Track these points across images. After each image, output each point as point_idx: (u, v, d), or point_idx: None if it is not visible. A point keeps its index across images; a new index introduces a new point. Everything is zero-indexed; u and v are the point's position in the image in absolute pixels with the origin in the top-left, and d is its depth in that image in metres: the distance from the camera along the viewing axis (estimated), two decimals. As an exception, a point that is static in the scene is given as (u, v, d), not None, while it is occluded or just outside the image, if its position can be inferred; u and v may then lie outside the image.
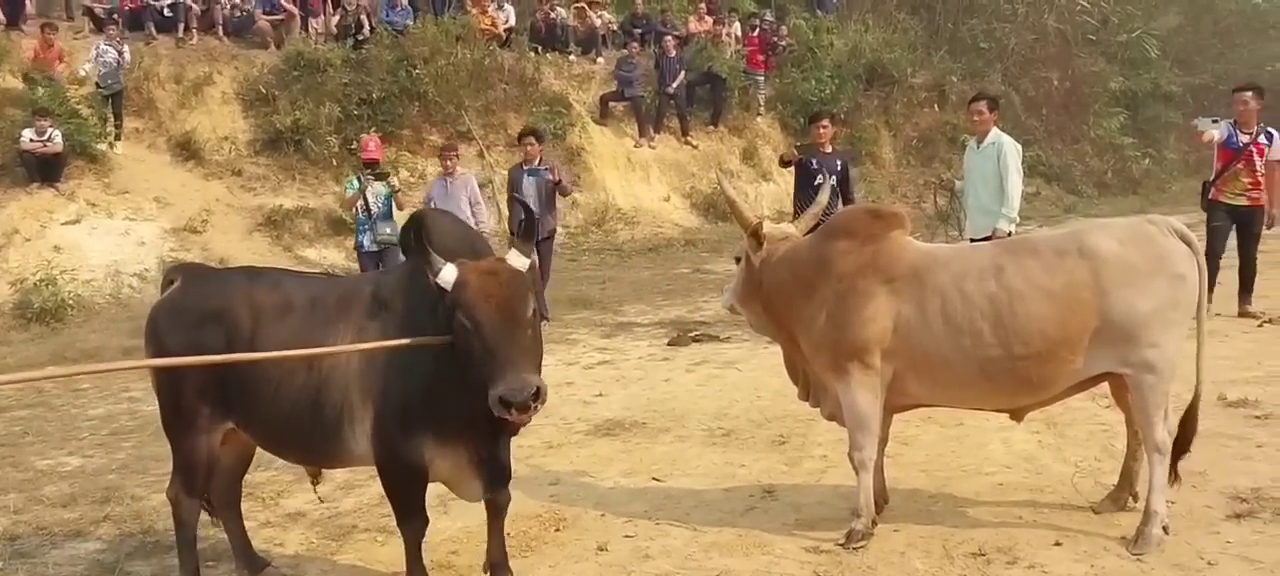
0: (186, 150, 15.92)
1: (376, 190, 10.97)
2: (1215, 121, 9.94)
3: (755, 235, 5.05)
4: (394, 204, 11.05)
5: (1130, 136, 25.42)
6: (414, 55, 17.23)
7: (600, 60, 20.51)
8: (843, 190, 9.74)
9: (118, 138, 15.37)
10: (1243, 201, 9.61)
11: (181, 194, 15.20)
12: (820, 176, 9.54)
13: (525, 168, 11.19)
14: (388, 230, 10.78)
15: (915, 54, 23.61)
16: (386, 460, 4.18)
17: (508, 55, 18.83)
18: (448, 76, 17.42)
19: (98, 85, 15.31)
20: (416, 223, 4.21)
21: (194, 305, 4.38)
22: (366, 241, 10.98)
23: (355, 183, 11.22)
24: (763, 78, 21.18)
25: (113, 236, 14.03)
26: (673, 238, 17.78)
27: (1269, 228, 9.90)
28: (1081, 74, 25.54)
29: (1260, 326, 9.10)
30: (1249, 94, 9.53)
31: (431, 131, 17.27)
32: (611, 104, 19.52)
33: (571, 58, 20.22)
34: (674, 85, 19.30)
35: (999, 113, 8.87)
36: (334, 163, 16.06)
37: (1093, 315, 4.51)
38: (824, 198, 5.80)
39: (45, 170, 13.88)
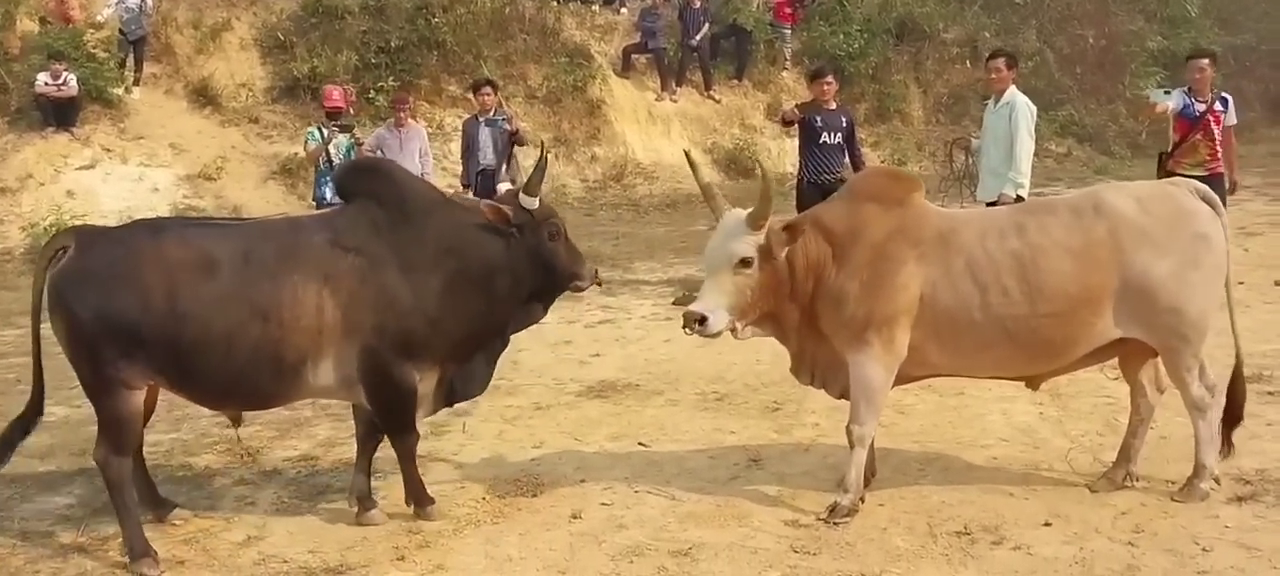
0: (203, 96, 15.83)
1: (339, 142, 10.74)
2: (1167, 91, 9.42)
3: (790, 229, 4.51)
4: (354, 156, 10.85)
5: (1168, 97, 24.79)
6: (433, 3, 16.96)
7: (624, 11, 20.19)
8: (849, 148, 9.48)
9: (137, 83, 15.31)
10: (1202, 172, 9.12)
11: (197, 141, 15.14)
12: (825, 134, 9.30)
13: (481, 118, 10.99)
14: None
15: (948, 8, 23.02)
16: (382, 386, 4.54)
17: (529, 4, 18.53)
18: (467, 25, 17.18)
19: (121, 31, 15.21)
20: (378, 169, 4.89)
21: (99, 270, 4.25)
22: (328, 193, 10.74)
23: (317, 133, 10.89)
24: (789, 31, 20.74)
25: (126, 182, 14.01)
26: (692, 193, 17.41)
27: (1231, 194, 9.51)
28: (1118, 32, 24.82)
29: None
30: (1205, 61, 9.03)
31: (449, 81, 17.08)
32: (634, 56, 19.21)
33: (594, 8, 19.90)
34: (698, 38, 18.92)
35: (1017, 71, 8.55)
36: (351, 111, 15.85)
37: (1112, 274, 4.46)
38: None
39: (60, 115, 13.86)
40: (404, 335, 4.50)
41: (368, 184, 4.79)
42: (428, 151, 11.03)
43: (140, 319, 4.19)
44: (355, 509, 4.81)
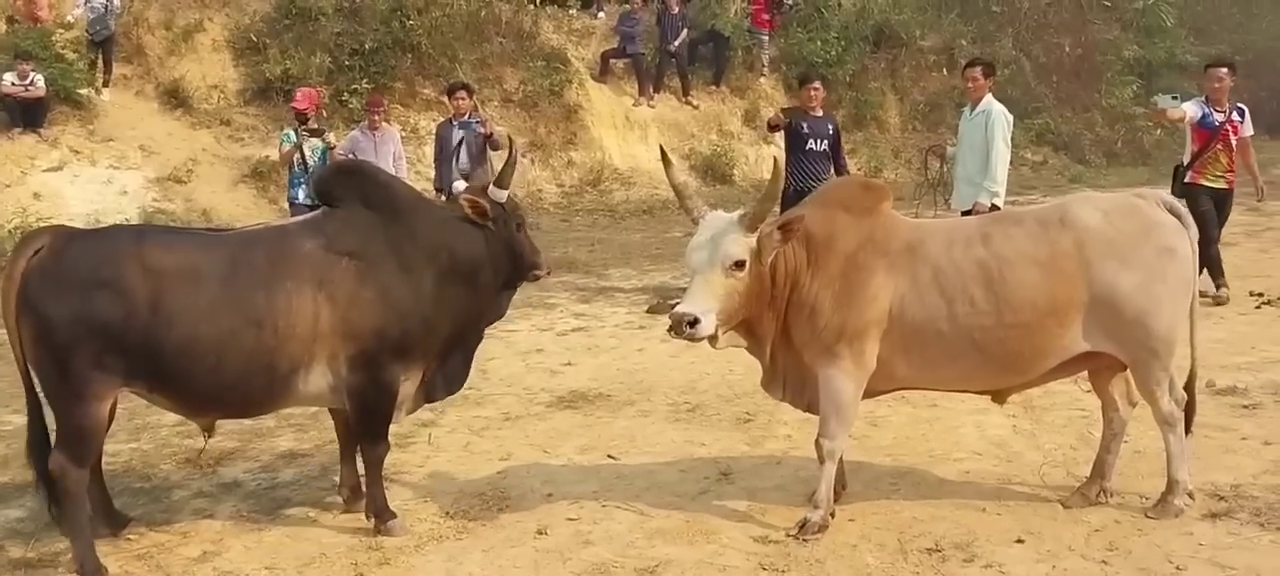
0: (175, 98, 15.61)
1: (312, 144, 10.64)
2: (1175, 97, 9.39)
3: (785, 228, 4.36)
4: (329, 158, 10.75)
5: (1142, 106, 24.83)
6: (408, 5, 16.80)
7: (601, 15, 20.14)
8: (834, 155, 9.43)
9: (106, 84, 15.09)
10: (1222, 183, 9.10)
11: (168, 143, 14.94)
12: (811, 141, 9.24)
13: (455, 121, 10.88)
14: None
15: (925, 16, 23.06)
16: (371, 391, 4.50)
17: (505, 7, 18.42)
18: (442, 28, 17.05)
19: (88, 32, 15.01)
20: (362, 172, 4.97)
21: (78, 271, 4.11)
22: (301, 194, 10.63)
23: (291, 136, 10.80)
24: (767, 37, 20.71)
25: (95, 184, 13.80)
26: (669, 199, 17.33)
27: (1259, 201, 9.71)
28: (1095, 41, 24.91)
29: (1258, 308, 8.77)
30: (1224, 70, 9.05)
31: (424, 84, 16.93)
32: (612, 61, 19.12)
33: (572, 12, 19.83)
34: (676, 43, 18.86)
35: (994, 79, 8.50)
36: (324, 114, 15.67)
37: (1078, 287, 4.41)
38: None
39: (27, 115, 13.64)
40: (403, 337, 4.53)
41: (353, 187, 4.72)
42: (402, 155, 10.96)
43: (124, 324, 4.07)
44: (372, 521, 4.72)
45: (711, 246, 4.35)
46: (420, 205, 4.88)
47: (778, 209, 4.79)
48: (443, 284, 4.63)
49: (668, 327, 4.31)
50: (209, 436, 4.85)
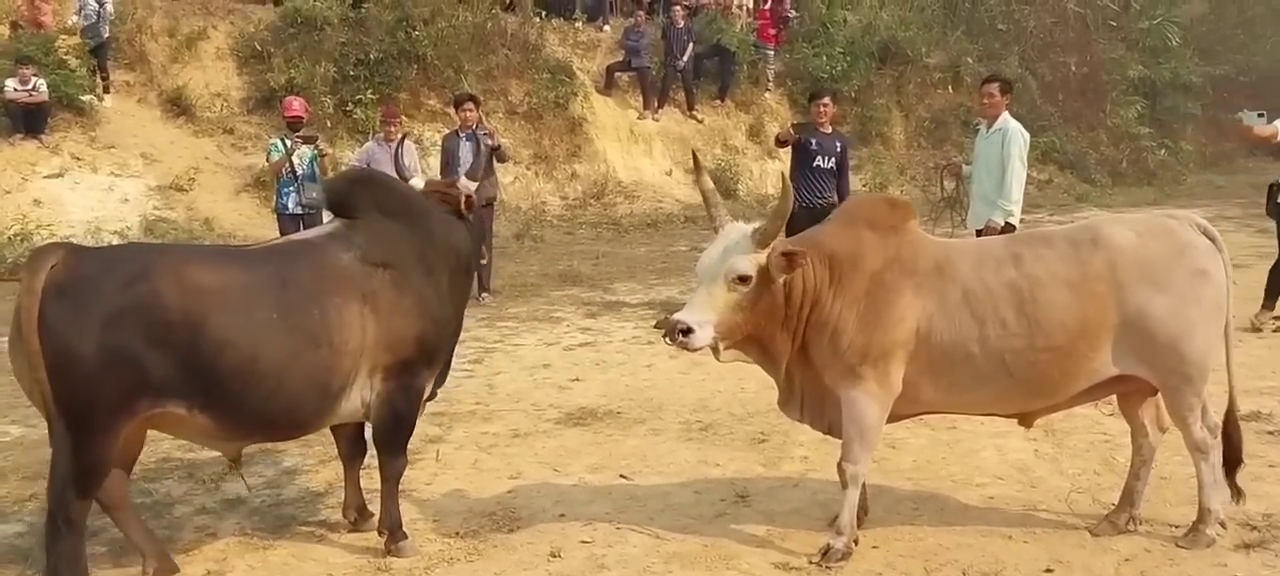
0: (177, 106, 15.52)
1: (302, 153, 10.53)
2: (1261, 115, 9.16)
3: (789, 256, 4.20)
4: (317, 167, 10.65)
5: (1147, 126, 24.79)
6: (414, 16, 16.69)
7: (607, 28, 20.05)
8: (840, 173, 9.32)
9: (105, 91, 14.98)
10: None
11: (170, 151, 14.83)
12: (819, 158, 9.14)
13: (461, 133, 10.78)
14: (315, 193, 10.36)
15: (931, 33, 23.04)
16: (402, 400, 4.44)
17: (511, 19, 18.34)
18: (448, 39, 16.92)
19: (83, 39, 14.91)
20: (377, 181, 4.89)
21: (106, 292, 3.81)
22: (291, 203, 10.53)
23: (280, 145, 10.68)
24: (773, 52, 20.67)
25: (96, 192, 13.69)
26: (673, 213, 17.35)
27: None
28: (1100, 60, 24.90)
29: (1277, 331, 8.65)
30: None
31: (430, 95, 16.84)
32: (617, 74, 19.04)
33: (577, 24, 19.74)
34: (684, 59, 18.78)
35: (1012, 97, 8.39)
36: (328, 124, 15.58)
37: (1110, 309, 4.30)
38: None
39: (29, 121, 13.53)
40: (436, 341, 4.56)
41: (370, 197, 4.63)
42: (418, 168, 10.75)
43: (166, 348, 3.83)
44: (384, 537, 4.60)
45: (720, 258, 4.26)
46: (429, 208, 4.83)
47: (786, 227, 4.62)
48: (454, 282, 4.72)
49: (663, 332, 4.21)
50: (238, 466, 4.66)
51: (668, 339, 4.22)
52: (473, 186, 5.00)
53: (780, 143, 10.02)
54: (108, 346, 3.74)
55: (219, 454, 5.51)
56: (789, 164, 9.56)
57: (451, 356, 4.91)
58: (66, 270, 3.80)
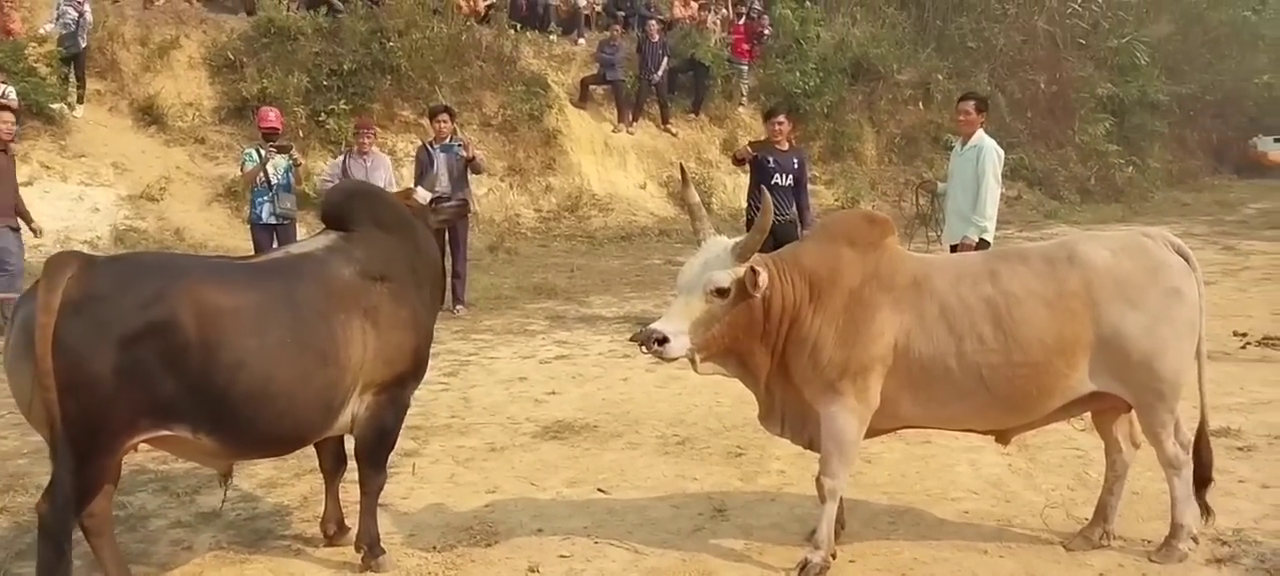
0: (149, 115, 15.40)
1: (277, 162, 10.48)
2: (1277, 140, 9.18)
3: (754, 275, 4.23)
4: (292, 177, 10.61)
5: (1115, 143, 25.12)
6: (388, 27, 16.70)
7: (582, 41, 20.12)
8: (798, 189, 9.36)
9: (80, 100, 14.85)
10: None
11: (140, 160, 14.71)
12: (777, 175, 9.19)
13: (437, 144, 10.77)
14: (289, 203, 10.36)
15: (902, 50, 23.27)
16: (390, 414, 4.46)
17: (486, 31, 18.37)
18: (422, 51, 16.93)
19: (59, 47, 14.77)
20: (370, 193, 4.92)
21: (124, 311, 3.69)
22: (265, 213, 10.46)
23: (254, 155, 10.63)
24: (747, 67, 20.82)
25: (66, 201, 13.53)
26: (647, 227, 17.41)
27: None
28: (1069, 78, 25.22)
29: (1243, 348, 8.76)
30: None
31: (403, 106, 16.82)
32: (592, 87, 19.09)
33: (552, 37, 19.79)
34: (658, 73, 18.87)
35: (986, 115, 8.48)
36: (301, 135, 15.51)
37: (1086, 326, 4.34)
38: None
39: (-3, 129, 13.35)
40: (426, 352, 4.64)
41: (366, 209, 4.63)
42: (392, 182, 10.65)
43: (178, 371, 3.73)
44: (362, 553, 4.56)
45: (700, 270, 4.29)
46: (415, 221, 4.85)
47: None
48: (433, 293, 4.79)
49: (639, 341, 4.23)
50: (228, 482, 4.62)
51: (644, 348, 4.25)
52: (428, 196, 5.03)
53: (738, 161, 10.07)
54: (123, 368, 3.64)
55: (196, 466, 5.52)
56: (747, 183, 9.59)
57: None
58: (82, 286, 3.67)
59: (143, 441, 3.87)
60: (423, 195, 5.02)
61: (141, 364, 3.67)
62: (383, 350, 4.30)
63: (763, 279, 4.24)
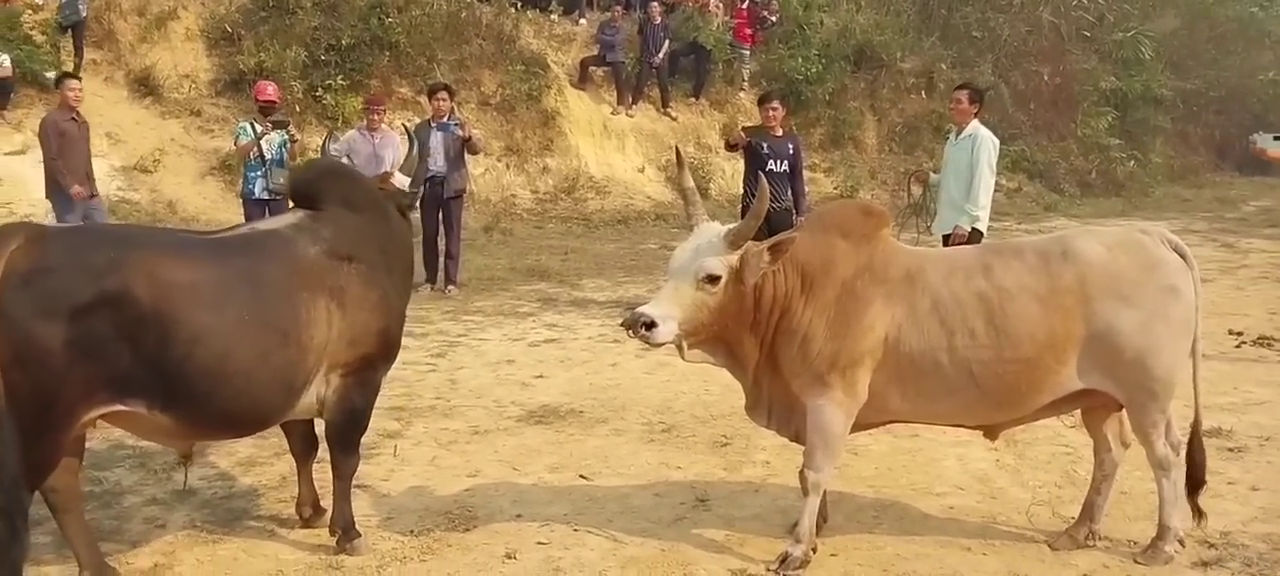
0: (145, 86, 15.36)
1: (271, 138, 10.41)
2: (1276, 137, 9.00)
3: (774, 249, 4.16)
4: (286, 153, 10.52)
5: (1117, 137, 24.98)
6: (388, 3, 16.59)
7: (583, 22, 20.01)
8: (792, 177, 9.27)
9: (77, 70, 14.71)
10: None
11: (135, 131, 14.64)
12: (771, 161, 9.10)
13: (433, 123, 10.68)
14: (282, 178, 10.23)
15: (906, 38, 23.11)
16: (359, 397, 4.39)
17: (486, 9, 18.24)
18: (421, 27, 16.84)
19: (58, 16, 14.68)
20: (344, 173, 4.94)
21: (75, 283, 3.60)
22: (258, 188, 10.41)
23: (249, 129, 10.56)
24: (748, 52, 20.67)
25: (58, 171, 13.41)
26: (644, 210, 17.32)
27: None
28: (1073, 71, 25.06)
29: (1238, 347, 8.70)
30: None
31: (401, 83, 16.72)
32: (591, 68, 18.98)
33: (553, 17, 19.68)
34: (659, 56, 18.74)
35: (982, 106, 8.39)
36: (297, 109, 15.42)
37: (1078, 322, 4.27)
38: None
39: (-8, 96, 13.31)
40: (395, 336, 4.56)
41: (336, 189, 4.55)
42: (401, 160, 10.51)
43: (132, 346, 3.65)
44: (337, 537, 4.50)
45: (692, 256, 4.21)
46: (388, 203, 4.79)
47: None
48: (404, 276, 4.74)
49: (627, 326, 4.16)
50: (189, 463, 4.58)
51: (631, 332, 4.17)
52: (406, 181, 4.97)
53: (731, 147, 9.98)
54: (74, 343, 3.56)
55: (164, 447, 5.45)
56: (743, 169, 9.50)
57: None
58: (30, 257, 3.57)
59: (99, 417, 3.78)
60: (401, 180, 4.95)
61: (95, 336, 3.60)
62: (348, 332, 4.22)
63: (785, 247, 4.18)
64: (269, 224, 4.54)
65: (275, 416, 4.21)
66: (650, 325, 4.07)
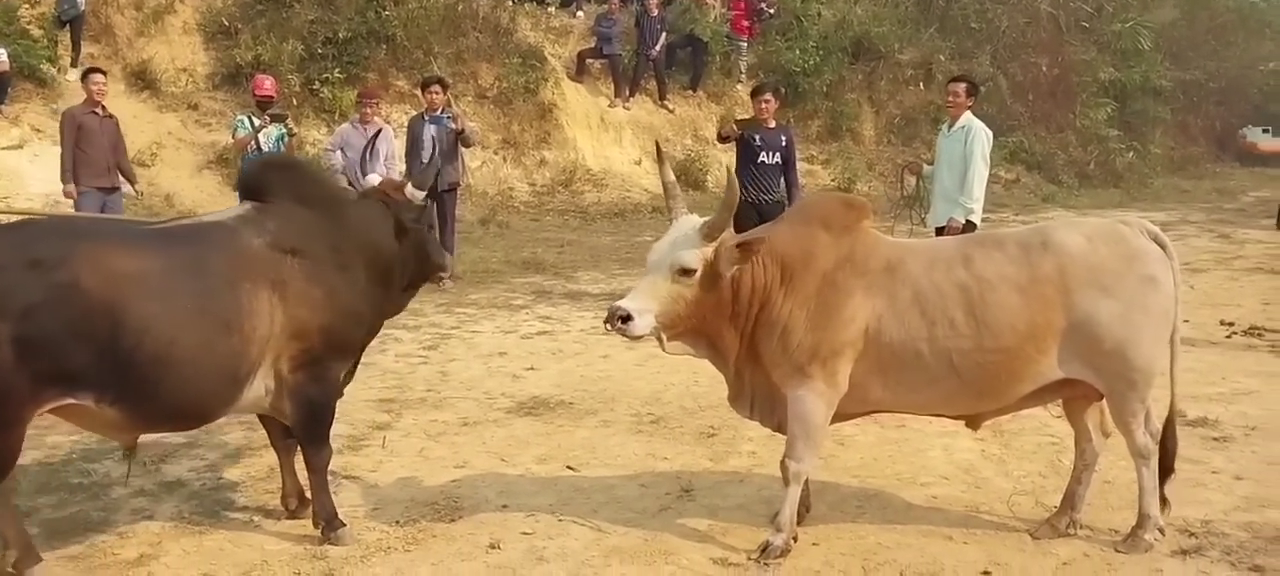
0: (142, 80, 15.39)
1: (269, 131, 10.42)
2: (1266, 130, 8.90)
3: (743, 247, 4.22)
4: (284, 146, 10.54)
5: (1116, 128, 24.98)
6: (385, -4, 16.62)
7: (580, 14, 20.02)
8: (785, 170, 9.28)
9: (74, 64, 14.78)
10: None
11: (133, 125, 14.51)
12: (764, 153, 9.10)
13: (427, 116, 10.70)
14: None
15: (904, 30, 23.10)
16: (316, 392, 4.36)
17: (483, 2, 18.23)
18: (418, 20, 16.86)
19: (56, 10, 14.69)
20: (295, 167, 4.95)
21: (22, 277, 3.63)
22: None
23: (247, 122, 10.57)
24: (746, 44, 20.67)
25: (55, 164, 13.32)
26: (640, 203, 17.33)
27: None
28: (1071, 62, 25.06)
29: (1229, 337, 8.71)
30: None
31: (398, 76, 16.73)
32: (589, 61, 18.98)
33: (550, 10, 19.68)
34: (656, 48, 18.73)
35: (977, 98, 8.40)
36: (294, 103, 15.44)
37: (1058, 312, 4.29)
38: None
39: (-10, 91, 13.33)
40: (345, 333, 4.45)
41: (285, 182, 4.53)
42: (394, 155, 10.54)
43: (81, 339, 3.68)
44: (320, 529, 4.51)
45: (667, 250, 4.26)
46: (348, 200, 4.78)
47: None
48: (371, 279, 4.57)
49: (605, 320, 4.22)
50: (133, 455, 4.58)
51: (608, 325, 4.22)
52: (421, 195, 4.82)
53: (723, 139, 9.97)
54: (22, 337, 3.59)
55: (162, 436, 5.49)
56: (735, 161, 9.48)
57: (358, 361, 4.79)
58: None
59: (47, 411, 3.81)
60: (417, 195, 4.79)
61: (44, 331, 3.63)
62: (290, 325, 4.20)
63: (754, 247, 4.23)
64: (215, 215, 4.54)
65: (220, 408, 4.19)
66: (626, 318, 4.12)
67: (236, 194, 10.56)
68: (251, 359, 4.12)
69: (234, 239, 4.22)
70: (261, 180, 4.58)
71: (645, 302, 4.17)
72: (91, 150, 10.01)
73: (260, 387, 4.23)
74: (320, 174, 4.96)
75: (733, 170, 5.17)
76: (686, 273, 4.19)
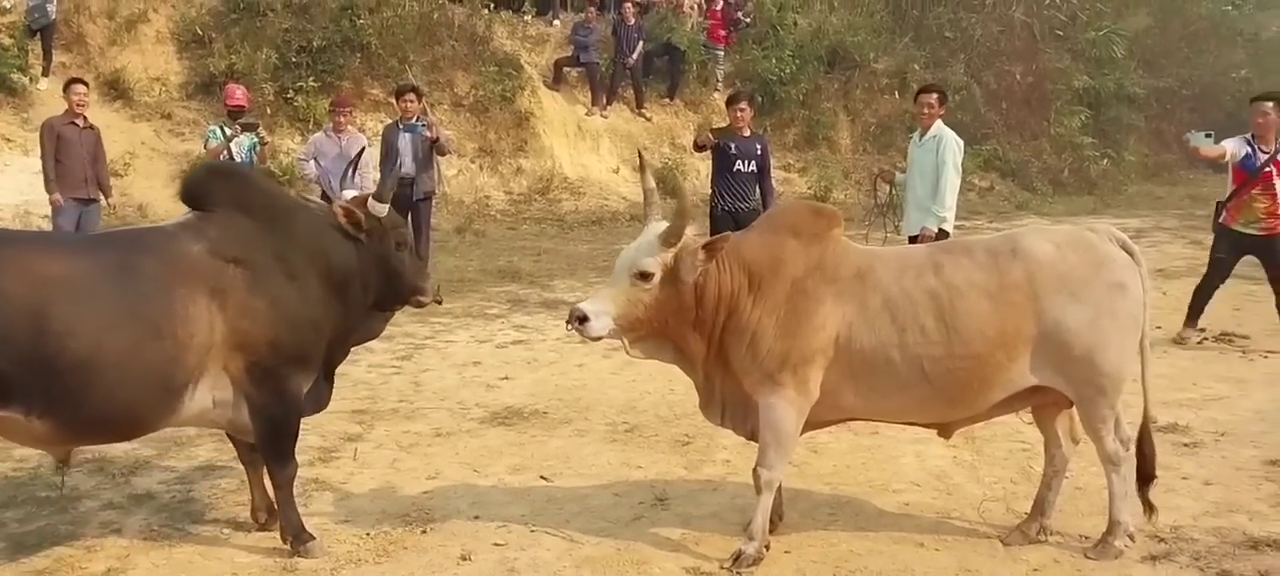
0: (115, 89, 15.25)
1: (241, 140, 10.37)
2: (1209, 135, 8.97)
3: (708, 248, 4.27)
4: (256, 156, 10.49)
5: (1090, 136, 25.09)
6: (359, 4, 16.49)
7: (556, 23, 19.98)
8: (760, 179, 9.31)
9: (46, 73, 14.67)
10: (1257, 231, 8.35)
11: (105, 135, 14.22)
12: (739, 162, 9.13)
13: (401, 124, 10.67)
14: None
15: (879, 39, 23.15)
16: (277, 406, 4.30)
17: (459, 10, 18.17)
18: (393, 28, 16.75)
19: (26, 19, 14.57)
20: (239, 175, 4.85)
21: None
22: None
23: (219, 132, 10.52)
24: (722, 53, 20.68)
25: (26, 175, 13.29)
26: (618, 211, 17.32)
27: None
28: (1045, 70, 25.15)
29: (1200, 343, 8.77)
30: (1270, 105, 8.24)
31: (373, 85, 16.66)
32: (566, 69, 18.97)
33: (526, 18, 19.64)
34: (633, 57, 18.74)
35: (947, 107, 8.44)
36: (268, 111, 15.36)
37: (1027, 319, 4.32)
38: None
39: (-42, 101, 13.21)
40: (298, 345, 4.35)
41: (227, 191, 4.45)
42: (368, 162, 10.47)
43: (6, 348, 3.65)
44: (288, 544, 4.48)
45: (630, 254, 4.33)
46: (296, 208, 4.67)
47: (711, 232, 4.66)
48: (323, 292, 4.45)
49: (566, 320, 4.31)
50: (67, 468, 4.53)
51: (568, 326, 4.32)
52: (384, 210, 4.68)
53: (698, 148, 10.03)
54: None
55: (133, 447, 5.45)
56: (711, 170, 9.52)
57: (327, 380, 4.69)
58: None
59: None
60: (377, 208, 4.65)
61: None
62: (232, 336, 4.12)
63: (718, 247, 4.28)
64: (156, 225, 4.49)
65: (155, 418, 4.11)
66: (583, 319, 4.20)
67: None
68: (188, 366, 4.04)
69: (170, 244, 4.17)
70: (204, 188, 4.48)
71: (604, 305, 4.25)
72: (69, 161, 9.94)
73: (206, 399, 4.15)
74: (265, 182, 4.80)
75: (682, 186, 5.20)
76: (644, 277, 4.24)
